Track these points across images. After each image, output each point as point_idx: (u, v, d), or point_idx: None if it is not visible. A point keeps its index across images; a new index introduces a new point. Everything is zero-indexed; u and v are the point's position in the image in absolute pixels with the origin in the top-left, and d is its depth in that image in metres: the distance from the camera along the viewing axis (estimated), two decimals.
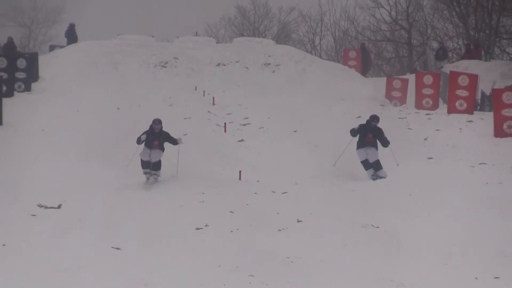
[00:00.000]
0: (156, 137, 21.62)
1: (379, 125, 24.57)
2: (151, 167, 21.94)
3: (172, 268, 17.57)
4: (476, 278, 17.41)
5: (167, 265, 17.68)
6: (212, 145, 26.64)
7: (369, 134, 24.24)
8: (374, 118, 24.46)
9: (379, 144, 24.41)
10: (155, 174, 22.06)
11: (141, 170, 23.04)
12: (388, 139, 24.41)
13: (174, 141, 22.53)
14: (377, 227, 20.53)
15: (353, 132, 24.52)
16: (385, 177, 23.65)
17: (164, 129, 23.03)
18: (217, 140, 27.36)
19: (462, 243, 18.54)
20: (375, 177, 23.81)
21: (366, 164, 24.14)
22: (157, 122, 22.24)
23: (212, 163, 24.79)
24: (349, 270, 18.21)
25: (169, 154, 23.41)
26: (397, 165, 24.26)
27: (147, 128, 28.08)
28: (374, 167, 23.97)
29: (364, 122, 24.96)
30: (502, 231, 19.79)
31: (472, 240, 18.92)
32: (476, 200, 21.76)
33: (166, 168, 23.35)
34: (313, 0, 66.35)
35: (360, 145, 24.38)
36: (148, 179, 22.05)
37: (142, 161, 22.10)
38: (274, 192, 22.84)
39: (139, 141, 21.85)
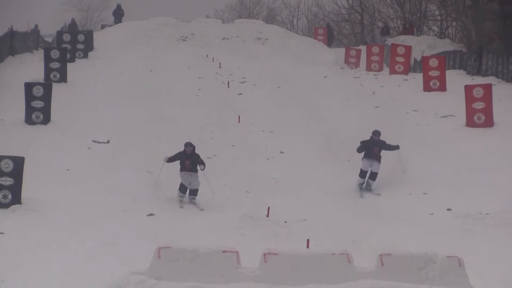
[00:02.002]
0: (187, 158, 17.34)
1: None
2: (189, 192, 17.38)
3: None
4: (410, 193, 17.32)
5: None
6: (218, 97, 26.42)
7: (375, 147, 18.39)
8: (376, 133, 18.52)
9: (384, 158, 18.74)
10: (193, 198, 17.36)
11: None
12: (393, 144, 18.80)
13: (202, 164, 17.43)
14: (338, 157, 20.41)
15: (359, 149, 18.56)
16: (371, 189, 18.29)
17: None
18: (222, 94, 27.13)
19: (401, 168, 18.32)
20: (363, 185, 18.34)
21: (363, 173, 18.43)
22: (189, 145, 17.47)
23: (219, 110, 24.58)
24: (317, 186, 18.26)
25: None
26: (403, 172, 18.67)
27: (172, 84, 28.02)
28: (370, 176, 18.42)
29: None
30: (429, 159, 19.71)
31: (408, 165, 18.68)
32: (411, 137, 21.63)
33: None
34: None
35: (366, 156, 18.56)
36: (180, 201, 17.35)
37: (181, 184, 17.35)
38: (263, 131, 22.69)
39: (169, 160, 17.48)
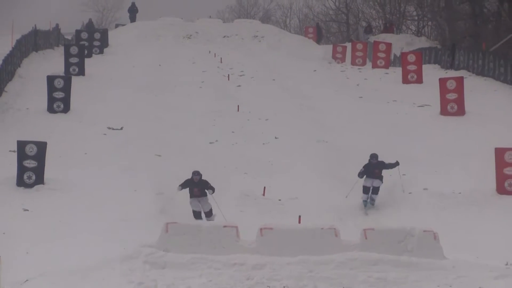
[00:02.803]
0: (195, 186, 15.34)
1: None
2: (205, 215, 15.47)
3: (195, 168, 17.35)
4: (390, 175, 17.25)
5: (193, 168, 17.43)
6: (219, 89, 26.32)
7: (375, 170, 16.46)
8: (373, 157, 16.59)
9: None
10: (210, 219, 15.28)
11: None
12: (392, 162, 16.93)
13: (211, 189, 15.44)
14: (327, 142, 20.35)
15: (360, 174, 16.56)
16: (374, 204, 16.52)
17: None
18: (223, 86, 27.04)
19: (381, 152, 18.13)
20: (367, 202, 16.54)
21: (366, 189, 16.49)
22: (196, 173, 15.48)
23: (220, 101, 24.47)
24: (308, 168, 18.23)
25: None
26: (403, 191, 16.82)
27: (178, 77, 27.91)
28: (372, 191, 16.52)
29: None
30: (407, 144, 19.66)
31: (388, 149, 18.57)
32: (391, 125, 21.59)
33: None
34: None
35: (368, 176, 16.58)
36: None
37: (194, 211, 15.49)
38: (260, 119, 22.59)
39: (182, 187, 15.53)
